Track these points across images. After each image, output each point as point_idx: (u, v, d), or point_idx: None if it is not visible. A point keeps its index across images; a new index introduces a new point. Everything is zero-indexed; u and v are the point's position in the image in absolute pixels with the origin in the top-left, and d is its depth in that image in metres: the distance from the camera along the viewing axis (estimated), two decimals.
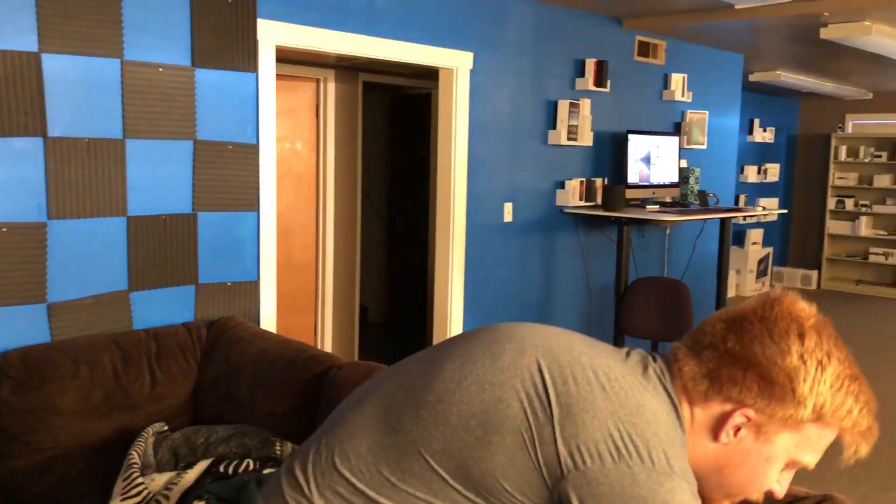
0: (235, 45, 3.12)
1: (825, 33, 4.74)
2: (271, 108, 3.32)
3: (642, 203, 5.11)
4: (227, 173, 3.15)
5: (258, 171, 3.25)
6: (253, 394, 2.57)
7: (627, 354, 1.18)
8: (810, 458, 1.14)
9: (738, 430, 1.12)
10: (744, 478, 1.15)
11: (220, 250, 3.15)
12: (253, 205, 3.24)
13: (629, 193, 4.93)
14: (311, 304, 5.15)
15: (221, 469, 2.21)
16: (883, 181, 9.13)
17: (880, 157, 9.14)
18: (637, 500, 1.01)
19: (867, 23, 4.59)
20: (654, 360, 1.18)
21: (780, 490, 1.18)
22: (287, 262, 4.90)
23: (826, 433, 1.12)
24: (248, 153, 3.21)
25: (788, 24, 4.87)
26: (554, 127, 4.74)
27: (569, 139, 4.75)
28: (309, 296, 5.14)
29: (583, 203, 4.93)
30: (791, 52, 6.16)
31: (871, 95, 9.04)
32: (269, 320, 3.40)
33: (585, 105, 4.86)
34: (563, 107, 4.72)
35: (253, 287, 3.27)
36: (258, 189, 3.26)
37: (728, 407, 1.11)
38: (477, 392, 1.09)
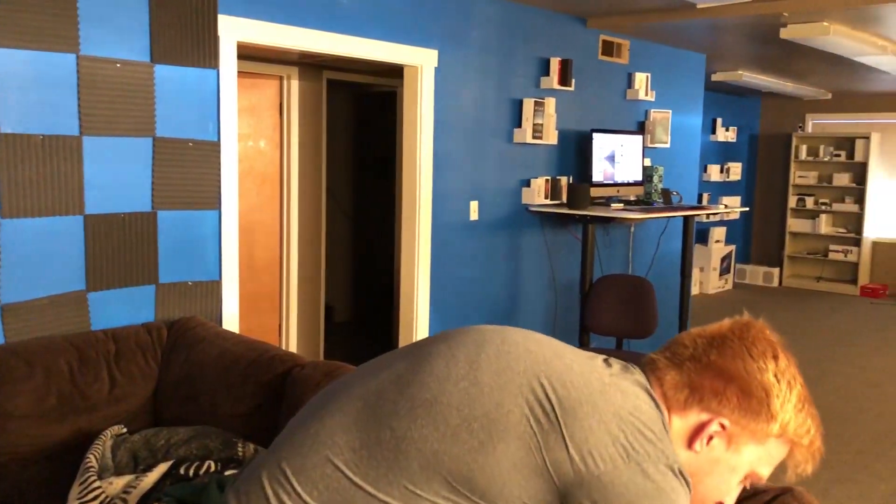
0: (196, 40, 3.07)
1: (785, 33, 4.81)
2: (232, 104, 3.27)
3: (607, 201, 5.14)
4: (188, 171, 3.09)
5: (219, 169, 3.20)
6: (215, 395, 2.53)
7: (606, 361, 1.22)
8: (766, 472, 1.22)
9: (711, 439, 1.18)
10: (710, 486, 1.20)
11: (181, 249, 3.10)
12: (214, 203, 3.19)
13: (594, 192, 4.96)
14: (275, 304, 5.10)
15: (182, 471, 2.17)
16: (842, 180, 9.30)
17: (839, 156, 9.31)
18: (650, 494, 1.06)
19: (825, 23, 4.66)
20: (632, 366, 1.23)
21: (731, 502, 1.25)
22: (250, 262, 4.84)
23: (783, 450, 1.22)
24: (209, 150, 3.15)
25: (749, 23, 4.93)
26: (519, 125, 4.75)
27: (534, 137, 4.76)
28: (273, 296, 5.09)
29: (548, 201, 4.94)
30: (752, 52, 6.24)
31: (830, 95, 9.21)
32: (231, 321, 3.36)
33: (550, 104, 4.88)
34: (529, 105, 4.73)
35: (215, 287, 3.22)
36: (219, 187, 3.21)
37: (705, 416, 1.18)
38: (476, 394, 1.11)
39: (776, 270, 9.76)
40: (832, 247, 9.48)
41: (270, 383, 2.42)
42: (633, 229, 5.76)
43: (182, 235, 3.10)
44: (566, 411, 1.09)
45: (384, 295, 6.58)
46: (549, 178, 4.96)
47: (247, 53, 4.37)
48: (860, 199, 9.20)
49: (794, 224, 9.70)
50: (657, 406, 1.16)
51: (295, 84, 4.99)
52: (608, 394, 1.12)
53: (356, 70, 5.29)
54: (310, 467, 1.14)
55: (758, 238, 10.23)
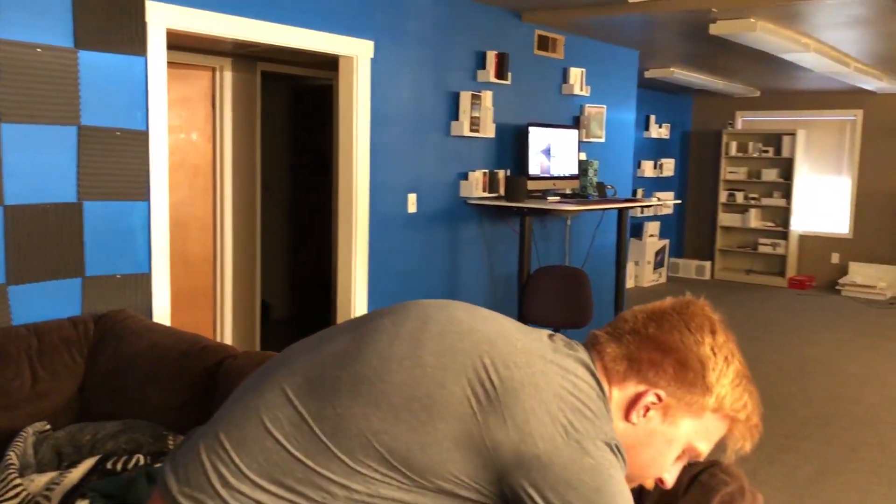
0: (122, 26, 2.98)
1: (714, 29, 4.92)
2: (162, 93, 3.18)
3: (543, 194, 5.19)
4: (115, 161, 3.00)
5: (148, 159, 3.11)
6: (144, 388, 2.46)
7: (550, 337, 1.23)
8: (704, 447, 1.24)
9: (647, 410, 1.19)
10: (647, 458, 1.21)
11: (109, 241, 3.01)
12: (143, 194, 3.11)
13: (531, 185, 4.99)
14: (209, 300, 5.00)
15: (109, 466, 2.10)
16: (770, 175, 9.58)
17: (767, 152, 9.59)
18: (589, 469, 1.07)
19: (752, 19, 4.79)
20: (576, 343, 1.25)
21: (671, 479, 1.26)
22: (183, 257, 4.73)
23: (720, 425, 1.23)
24: (138, 140, 3.07)
25: (680, 19, 5.03)
26: (457, 118, 4.75)
27: (471, 130, 4.77)
28: (207, 292, 4.98)
29: (486, 194, 4.96)
30: (683, 49, 6.38)
31: (758, 93, 9.48)
32: (162, 315, 3.27)
33: (487, 97, 4.89)
34: (466, 98, 4.73)
35: (144, 279, 3.14)
36: (148, 177, 3.12)
37: (642, 388, 1.19)
38: (419, 375, 1.10)
39: (708, 264, 10.00)
40: (761, 240, 9.76)
41: (203, 375, 2.37)
42: (569, 222, 5.82)
43: (109, 227, 3.01)
44: (508, 392, 1.09)
45: (322, 291, 6.52)
46: (486, 171, 4.98)
47: (178, 43, 4.27)
48: (787, 194, 9.49)
49: (724, 218, 9.96)
50: (597, 382, 1.17)
51: (228, 76, 4.89)
52: (549, 373, 1.13)
53: (291, 62, 5.22)
54: (249, 440, 1.13)
55: (690, 232, 10.47)
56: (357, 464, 1.08)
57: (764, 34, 4.93)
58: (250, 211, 5.16)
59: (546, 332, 1.25)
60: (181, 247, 4.70)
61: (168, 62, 3.48)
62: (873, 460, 3.94)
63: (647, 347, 1.19)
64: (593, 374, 1.18)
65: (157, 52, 3.15)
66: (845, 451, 4.07)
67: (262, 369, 1.26)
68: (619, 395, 1.20)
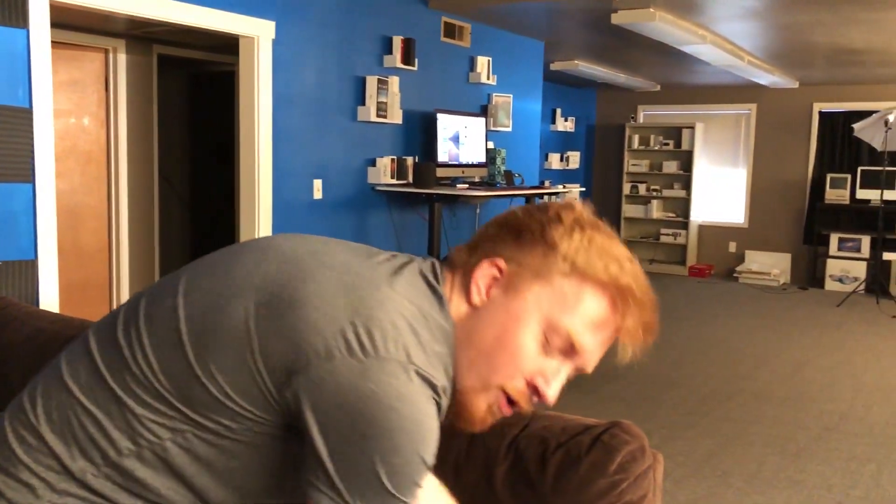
0: None
1: (615, 18, 5.02)
2: (46, 69, 3.00)
3: (452, 182, 5.18)
4: None
5: (32, 139, 2.94)
6: (27, 377, 2.30)
7: (394, 256, 1.10)
8: (570, 323, 1.04)
9: (489, 288, 1.07)
10: (491, 340, 1.04)
11: None
12: (27, 175, 2.93)
13: (440, 172, 4.98)
14: (104, 293, 4.78)
15: None
16: (671, 167, 9.88)
17: (668, 144, 9.89)
18: (366, 396, 0.91)
19: (651, 10, 4.90)
20: (425, 259, 1.12)
21: (549, 391, 1.07)
22: (75, 248, 4.50)
23: (581, 292, 1.05)
24: (20, 118, 2.89)
25: (582, 8, 5.11)
26: (363, 103, 4.69)
27: (378, 116, 4.71)
28: (102, 285, 4.76)
29: (394, 181, 4.91)
30: (587, 40, 6.49)
31: (658, 87, 9.76)
32: (50, 306, 3.09)
33: (394, 82, 4.85)
34: (372, 83, 4.68)
35: (29, 266, 2.96)
36: (33, 158, 2.94)
37: (481, 261, 1.08)
38: (208, 304, 0.99)
39: None
40: (663, 231, 10.05)
41: None
42: (478, 210, 5.84)
43: None
44: (291, 305, 0.95)
45: None
46: (394, 157, 4.94)
47: (67, 21, 4.05)
48: (687, 186, 9.81)
49: (628, 210, 10.21)
50: (432, 291, 1.04)
51: (122, 58, 4.68)
52: (356, 286, 0.98)
53: (190, 45, 5.04)
54: (45, 395, 1.04)
55: None
56: (147, 410, 0.99)
57: (662, 24, 5.06)
58: (148, 201, 4.96)
59: (393, 252, 1.12)
60: (73, 237, 4.47)
61: (57, 42, 3.31)
62: (767, 432, 4.10)
63: (488, 228, 1.11)
64: (427, 282, 1.04)
65: (39, 24, 2.97)
66: (742, 424, 4.22)
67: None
68: (460, 278, 1.08)
